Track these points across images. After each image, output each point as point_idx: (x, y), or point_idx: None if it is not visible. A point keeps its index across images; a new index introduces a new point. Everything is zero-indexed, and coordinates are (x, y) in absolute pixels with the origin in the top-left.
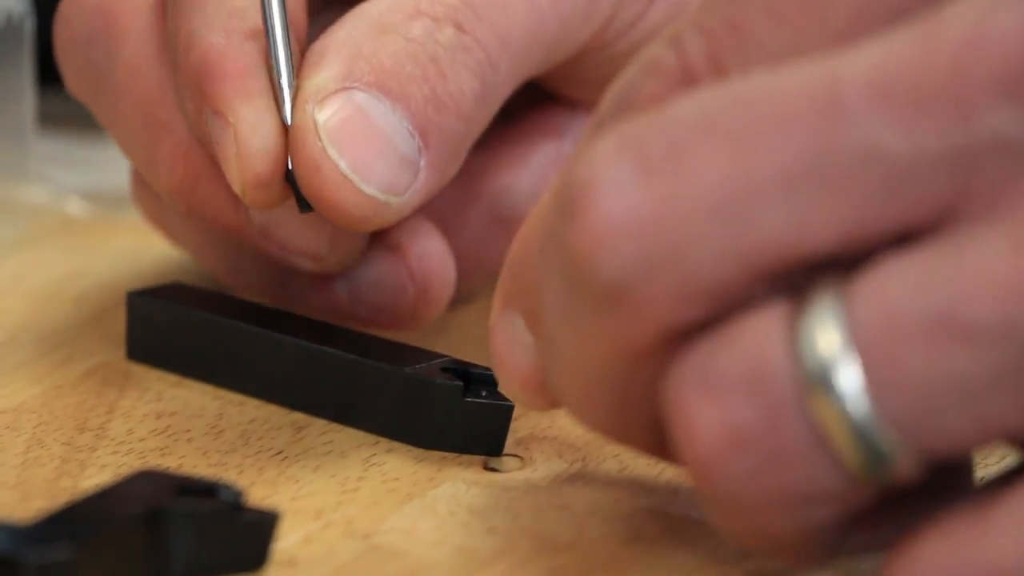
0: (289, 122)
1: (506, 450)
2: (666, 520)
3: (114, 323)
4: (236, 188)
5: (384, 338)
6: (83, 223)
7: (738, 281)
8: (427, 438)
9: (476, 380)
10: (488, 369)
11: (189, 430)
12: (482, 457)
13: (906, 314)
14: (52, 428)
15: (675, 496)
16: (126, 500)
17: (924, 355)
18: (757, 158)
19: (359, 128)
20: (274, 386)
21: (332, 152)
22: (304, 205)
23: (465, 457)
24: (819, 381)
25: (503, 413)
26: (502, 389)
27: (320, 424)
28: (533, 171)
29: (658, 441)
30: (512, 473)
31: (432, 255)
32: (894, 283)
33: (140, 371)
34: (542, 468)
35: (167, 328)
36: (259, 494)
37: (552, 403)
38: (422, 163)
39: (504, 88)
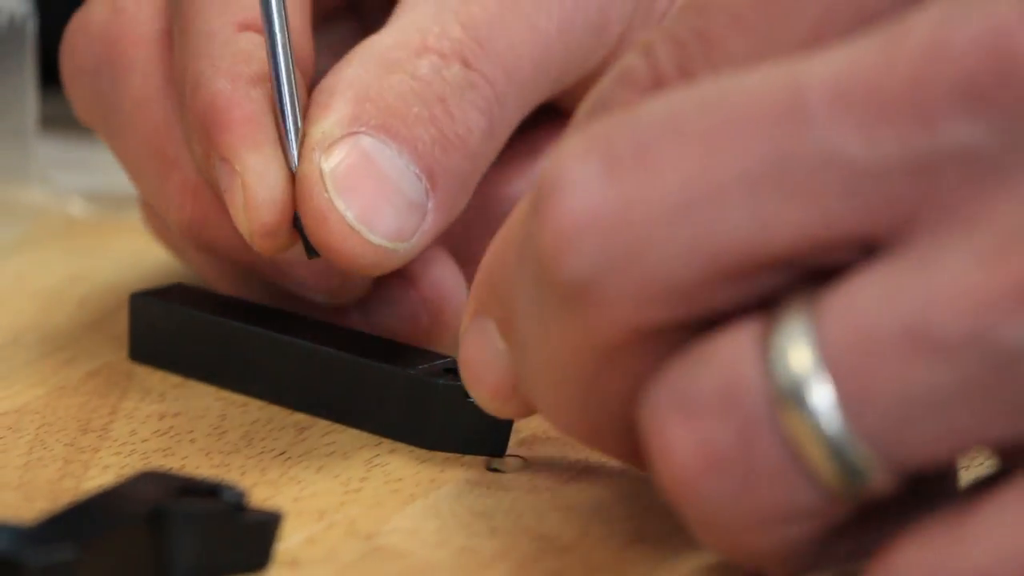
0: (295, 169)
1: (509, 451)
2: (669, 521)
3: (117, 324)
4: (244, 235)
5: (387, 339)
6: (85, 224)
7: (702, 282)
8: (430, 439)
9: None
10: None
11: (192, 431)
12: (485, 458)
13: (875, 329)
14: (55, 429)
15: None
16: (129, 501)
17: (895, 370)
18: (720, 160)
19: (366, 175)
20: (277, 387)
21: (339, 203)
22: (312, 251)
23: (468, 458)
24: (792, 399)
25: None
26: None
27: (323, 425)
28: None
29: (631, 445)
30: (515, 474)
31: (444, 283)
32: (863, 298)
33: (143, 372)
34: (544, 469)
35: (170, 329)
36: (262, 495)
37: (523, 411)
38: (430, 205)
39: (512, 120)
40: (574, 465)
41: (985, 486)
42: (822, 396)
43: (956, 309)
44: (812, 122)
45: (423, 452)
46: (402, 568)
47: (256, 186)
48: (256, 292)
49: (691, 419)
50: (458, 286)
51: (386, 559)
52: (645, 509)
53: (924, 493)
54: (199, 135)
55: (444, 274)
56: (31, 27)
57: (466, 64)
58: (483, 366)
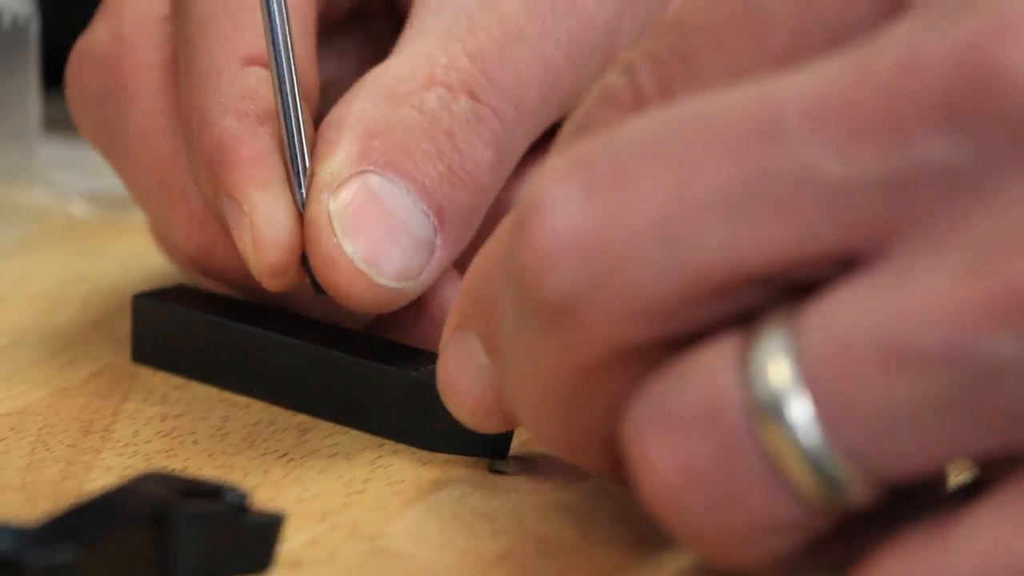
0: (303, 208)
1: (511, 452)
2: None
3: (119, 325)
4: (253, 272)
5: (389, 340)
6: (88, 225)
7: (681, 300)
8: (432, 440)
9: None
10: None
11: (194, 432)
12: (487, 460)
13: (853, 343)
14: (57, 430)
15: None
16: (131, 502)
17: (873, 384)
18: (697, 178)
19: (374, 217)
20: (279, 388)
21: (347, 246)
22: (319, 289)
23: (470, 460)
24: (771, 413)
25: None
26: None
27: (325, 426)
28: None
29: (613, 460)
30: (517, 476)
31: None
32: (840, 312)
33: (145, 373)
34: (547, 471)
35: (172, 330)
36: (264, 496)
37: (503, 425)
38: (437, 241)
39: (520, 148)
40: (576, 467)
41: (968, 495)
42: (801, 410)
43: (933, 323)
44: (787, 139)
45: (426, 454)
46: (405, 570)
47: (264, 226)
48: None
49: (671, 435)
50: None
51: (389, 561)
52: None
53: (912, 503)
54: (206, 171)
55: (455, 296)
56: (34, 28)
57: (474, 97)
58: (464, 380)
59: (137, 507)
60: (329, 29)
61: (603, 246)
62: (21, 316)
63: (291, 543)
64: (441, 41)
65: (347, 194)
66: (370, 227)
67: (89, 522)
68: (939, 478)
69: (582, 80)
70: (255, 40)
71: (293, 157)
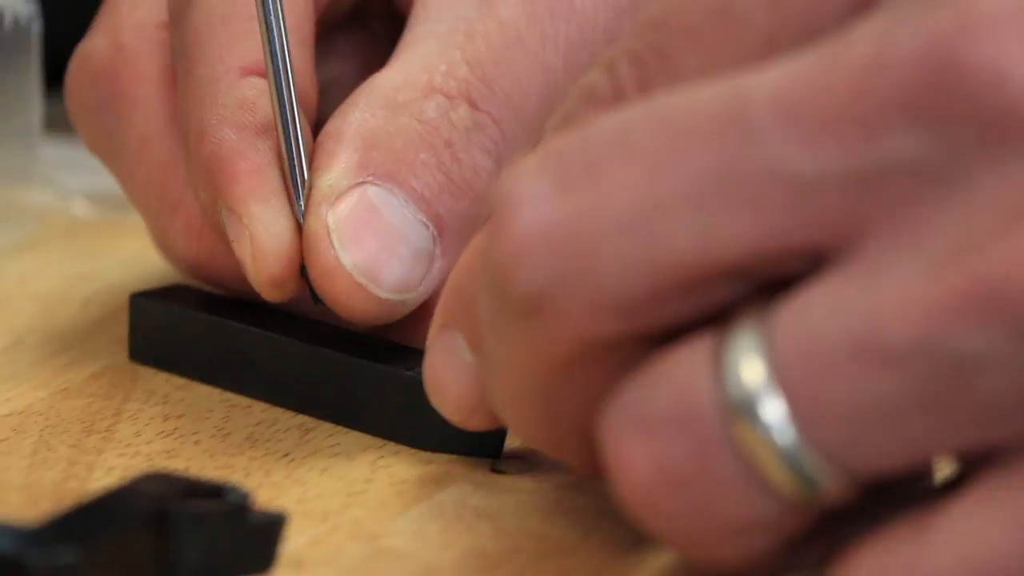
0: (302, 219)
1: (513, 452)
2: None
3: (120, 326)
4: (252, 283)
5: (388, 340)
6: (89, 226)
7: (652, 295)
8: (424, 439)
9: None
10: None
11: (196, 432)
12: (489, 460)
13: (825, 341)
14: (59, 431)
15: None
16: (133, 502)
17: (845, 381)
18: (666, 174)
19: (372, 229)
20: (277, 388)
21: (345, 259)
22: (318, 300)
23: (472, 459)
24: (745, 412)
25: None
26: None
27: (327, 426)
28: None
29: (592, 456)
30: (519, 476)
31: None
32: (812, 310)
33: (147, 374)
34: (549, 470)
35: (169, 330)
36: (266, 496)
37: (487, 423)
38: (437, 251)
39: (520, 156)
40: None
41: (949, 489)
42: (775, 409)
43: (904, 319)
44: (756, 135)
45: (427, 454)
46: (407, 569)
47: (263, 238)
48: None
49: (646, 436)
50: None
51: (391, 560)
52: None
53: (896, 498)
54: (204, 182)
55: None
56: (36, 29)
57: (473, 105)
58: (449, 378)
59: (139, 507)
60: (329, 29)
61: (573, 241)
62: (22, 316)
63: (293, 543)
64: (440, 48)
65: (345, 206)
66: (368, 239)
67: (91, 522)
68: (925, 473)
69: None
70: (253, 50)
71: (292, 169)
